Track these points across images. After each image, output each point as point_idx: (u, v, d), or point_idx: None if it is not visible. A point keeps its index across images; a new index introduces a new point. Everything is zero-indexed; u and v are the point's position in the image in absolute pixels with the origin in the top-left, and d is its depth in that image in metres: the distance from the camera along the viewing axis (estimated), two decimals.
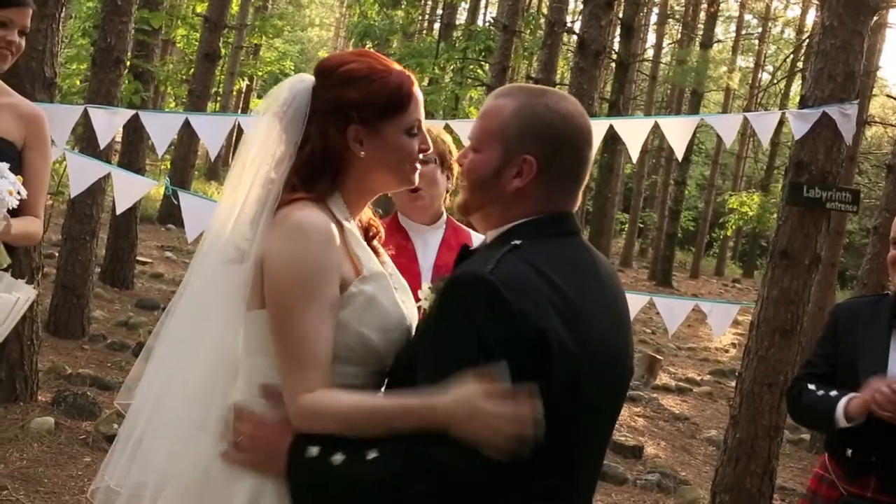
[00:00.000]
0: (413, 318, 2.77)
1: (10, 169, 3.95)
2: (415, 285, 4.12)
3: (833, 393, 4.14)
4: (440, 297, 2.40)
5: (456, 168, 4.20)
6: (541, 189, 2.51)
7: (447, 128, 6.51)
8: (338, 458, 2.34)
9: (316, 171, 2.64)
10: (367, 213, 2.88)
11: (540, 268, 2.36)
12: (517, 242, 2.43)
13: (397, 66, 2.76)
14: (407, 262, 4.21)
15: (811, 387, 4.30)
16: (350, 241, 2.64)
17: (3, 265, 3.86)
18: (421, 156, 2.77)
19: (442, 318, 2.36)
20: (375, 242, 2.87)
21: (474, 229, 2.84)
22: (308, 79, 2.73)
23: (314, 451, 2.38)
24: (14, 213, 3.96)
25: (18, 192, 3.72)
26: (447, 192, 4.33)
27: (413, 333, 2.68)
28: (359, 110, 2.64)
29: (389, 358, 2.65)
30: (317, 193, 2.62)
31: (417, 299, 3.92)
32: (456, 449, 2.22)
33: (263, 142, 2.69)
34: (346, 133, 2.65)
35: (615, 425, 2.74)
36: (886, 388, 3.91)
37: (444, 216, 4.36)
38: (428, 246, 4.29)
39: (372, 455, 2.30)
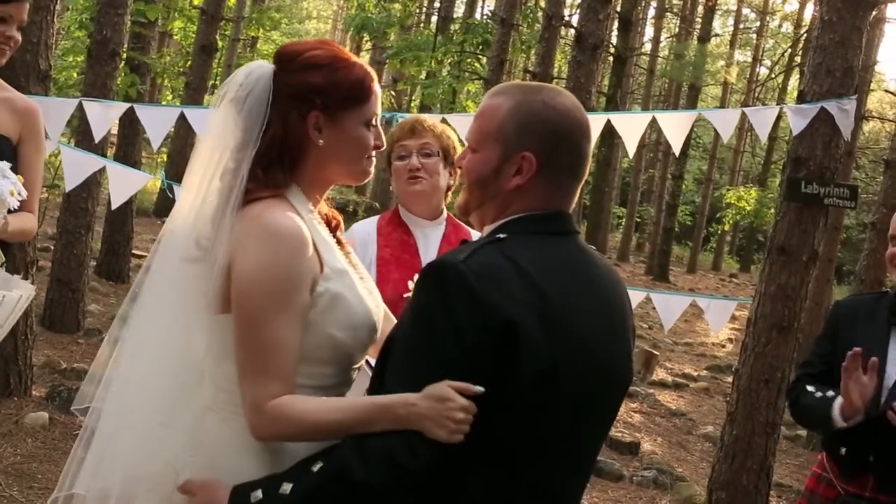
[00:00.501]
0: (379, 309, 2.78)
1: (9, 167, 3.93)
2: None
3: (830, 393, 4.11)
4: (416, 284, 2.42)
5: (455, 172, 4.22)
6: (541, 186, 2.51)
7: (444, 122, 6.47)
8: (286, 487, 2.34)
9: (275, 158, 2.61)
10: (324, 206, 2.85)
11: (519, 262, 2.36)
12: (501, 236, 2.44)
13: (359, 59, 2.74)
14: (409, 258, 4.21)
15: (809, 388, 4.28)
16: (315, 238, 2.60)
17: None
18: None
19: (414, 302, 2.39)
20: (339, 234, 2.86)
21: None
22: (266, 65, 2.69)
23: (258, 494, 2.38)
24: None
25: (19, 193, 3.69)
26: (449, 188, 4.32)
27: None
28: (322, 96, 2.62)
29: (359, 354, 2.70)
30: (276, 187, 2.59)
31: None
32: (397, 438, 2.26)
33: (220, 130, 2.66)
34: (307, 119, 2.63)
35: (608, 427, 2.71)
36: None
37: (445, 213, 4.35)
38: (429, 241, 4.28)
39: (317, 466, 2.33)
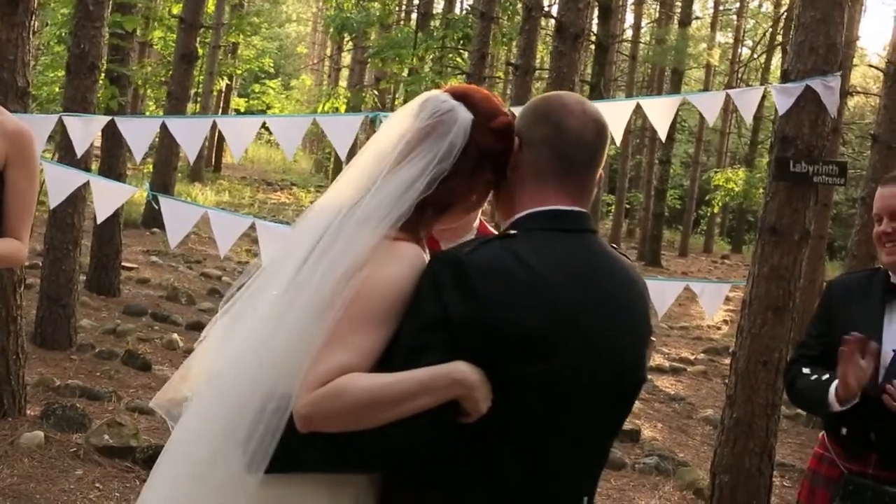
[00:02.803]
0: None
1: None
2: None
3: (825, 377, 4.10)
4: (422, 272, 2.45)
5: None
6: (527, 165, 2.57)
7: None
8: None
9: (434, 206, 2.56)
10: None
11: (525, 259, 2.37)
12: (512, 232, 2.48)
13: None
14: None
15: (805, 371, 4.27)
16: None
17: None
18: None
19: (416, 291, 2.40)
20: None
21: None
22: (462, 108, 2.59)
23: None
24: None
25: None
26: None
27: None
28: (498, 161, 2.61)
29: None
30: (417, 234, 2.55)
31: None
32: (402, 426, 2.29)
33: (403, 154, 2.56)
34: (481, 179, 2.62)
35: (618, 426, 2.68)
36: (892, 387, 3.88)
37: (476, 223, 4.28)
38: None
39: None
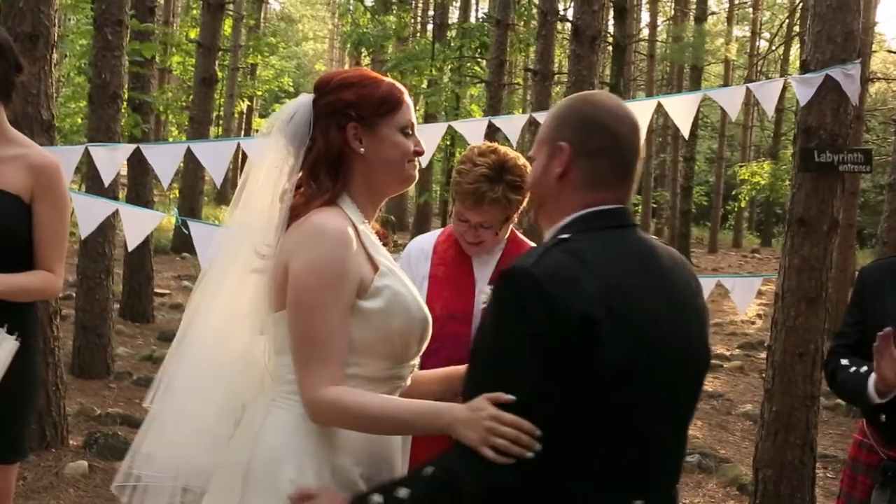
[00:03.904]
0: (427, 311, 2.98)
1: (15, 223, 3.91)
2: (468, 298, 4.10)
3: (863, 369, 4.09)
4: (493, 293, 2.53)
5: (522, 206, 4.15)
6: (582, 173, 2.63)
7: (450, 129, 6.40)
8: (402, 492, 2.45)
9: (321, 168, 2.86)
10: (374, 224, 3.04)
11: (585, 259, 2.45)
12: (565, 237, 2.54)
13: (388, 79, 3.01)
14: (463, 278, 4.20)
15: (844, 362, 4.26)
16: (366, 242, 2.84)
17: None
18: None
19: (495, 311, 2.47)
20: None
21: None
22: (305, 95, 2.97)
23: (377, 498, 2.49)
24: (26, 265, 3.93)
25: None
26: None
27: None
28: (356, 108, 2.87)
29: (414, 348, 2.93)
30: (327, 193, 2.84)
31: (468, 313, 4.09)
32: (474, 458, 2.37)
33: (273, 158, 2.91)
34: (345, 131, 2.87)
35: (693, 409, 2.80)
36: None
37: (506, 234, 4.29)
38: (485, 261, 4.21)
39: (428, 471, 2.44)
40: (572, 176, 2.63)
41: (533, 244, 4.21)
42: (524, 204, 4.11)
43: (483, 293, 4.02)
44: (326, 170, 2.86)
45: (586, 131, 2.63)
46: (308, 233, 2.73)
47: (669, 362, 2.53)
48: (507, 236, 4.27)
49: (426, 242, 4.37)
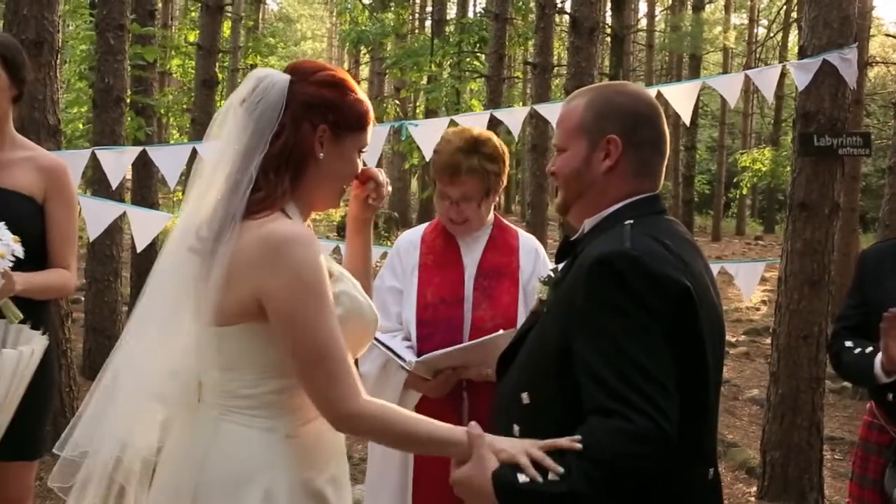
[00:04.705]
0: (376, 312, 2.98)
1: (30, 224, 3.99)
2: (458, 283, 4.19)
3: (868, 349, 4.14)
4: (587, 280, 2.50)
5: (503, 184, 4.24)
6: (630, 165, 2.73)
7: (452, 124, 6.46)
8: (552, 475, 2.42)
9: (281, 163, 2.70)
10: None
11: (663, 240, 2.56)
12: (630, 222, 2.63)
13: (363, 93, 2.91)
14: (451, 263, 4.27)
15: (848, 344, 4.31)
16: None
17: (13, 321, 3.85)
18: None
19: (599, 299, 2.47)
20: None
21: (572, 230, 2.93)
22: (279, 73, 2.76)
23: (524, 477, 2.45)
24: (40, 265, 4.00)
25: (13, 253, 3.72)
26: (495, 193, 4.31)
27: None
28: (334, 113, 2.75)
29: (361, 350, 2.96)
30: (281, 197, 2.68)
31: (459, 297, 4.12)
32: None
33: (227, 133, 2.74)
34: (316, 130, 2.73)
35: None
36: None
37: (492, 217, 4.37)
38: (472, 246, 4.30)
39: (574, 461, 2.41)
40: (622, 167, 2.71)
41: (517, 230, 4.41)
42: (503, 180, 4.23)
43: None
44: (286, 167, 2.70)
45: (632, 124, 2.72)
46: (273, 246, 2.58)
47: (719, 337, 2.67)
48: (492, 221, 4.36)
49: (414, 235, 4.46)
